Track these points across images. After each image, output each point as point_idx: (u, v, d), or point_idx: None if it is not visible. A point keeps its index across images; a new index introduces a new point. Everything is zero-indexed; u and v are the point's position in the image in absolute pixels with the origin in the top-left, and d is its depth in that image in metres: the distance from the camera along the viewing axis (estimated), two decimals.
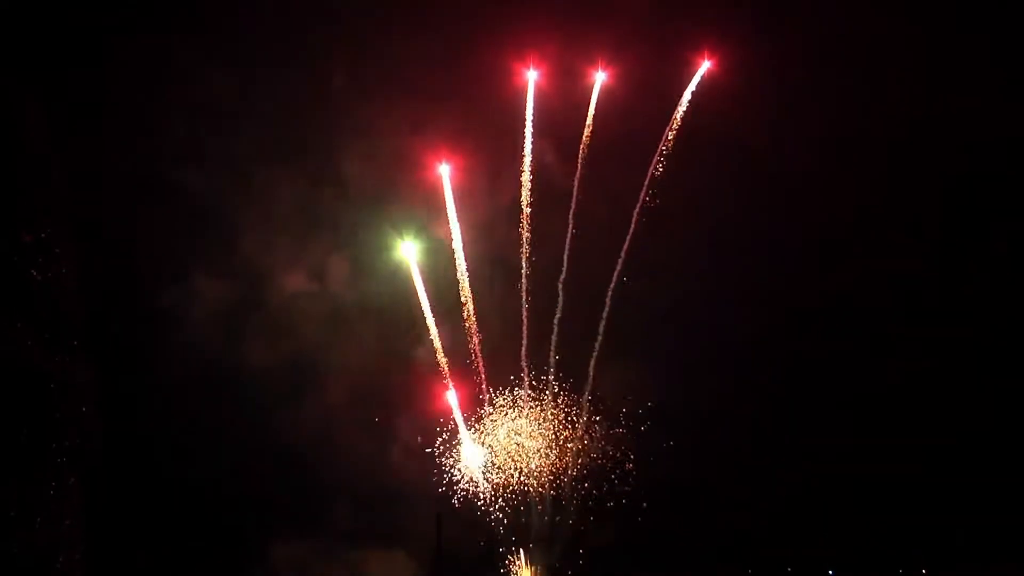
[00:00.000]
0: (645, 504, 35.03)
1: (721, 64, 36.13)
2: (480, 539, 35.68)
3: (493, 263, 37.07)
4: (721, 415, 35.33)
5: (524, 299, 36.52)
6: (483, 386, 36.38)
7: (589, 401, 36.00)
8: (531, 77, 36.52)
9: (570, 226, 36.49)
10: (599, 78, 36.52)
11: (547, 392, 36.08)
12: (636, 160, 36.27)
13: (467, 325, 36.42)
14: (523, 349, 36.37)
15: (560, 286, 36.57)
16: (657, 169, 36.28)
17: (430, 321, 36.33)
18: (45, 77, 29.92)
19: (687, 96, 36.22)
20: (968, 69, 36.03)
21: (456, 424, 35.96)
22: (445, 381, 36.14)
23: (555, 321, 36.52)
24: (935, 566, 34.00)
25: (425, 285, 36.56)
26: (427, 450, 35.59)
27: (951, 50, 35.79)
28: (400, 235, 36.58)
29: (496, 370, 36.51)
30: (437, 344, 36.29)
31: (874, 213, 36.76)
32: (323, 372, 36.74)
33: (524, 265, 36.59)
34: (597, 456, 35.77)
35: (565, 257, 36.57)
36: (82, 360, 25.07)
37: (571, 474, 35.89)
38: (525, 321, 36.45)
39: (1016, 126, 35.47)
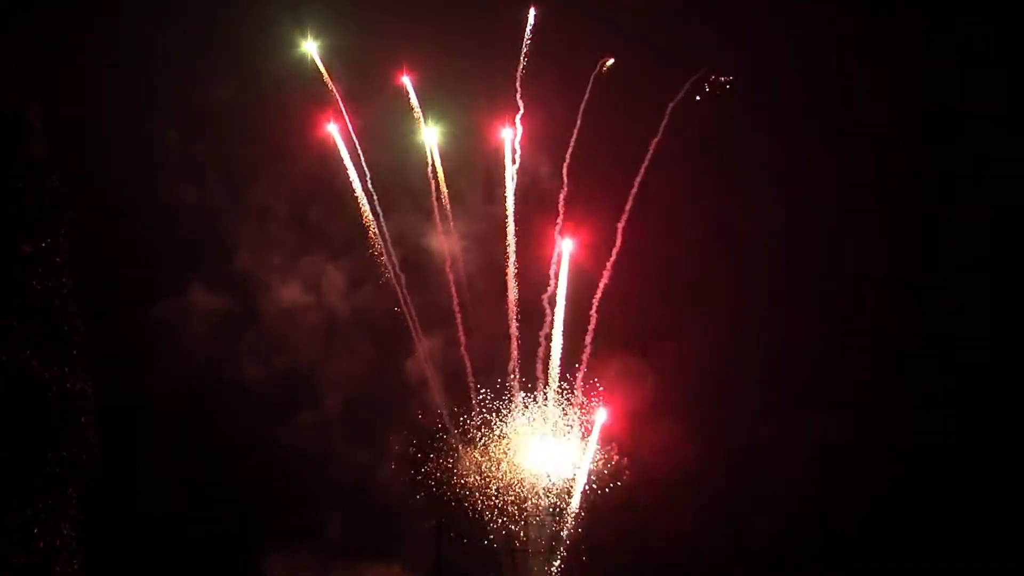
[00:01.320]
0: (643, 506, 35.23)
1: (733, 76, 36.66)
2: (479, 550, 35.77)
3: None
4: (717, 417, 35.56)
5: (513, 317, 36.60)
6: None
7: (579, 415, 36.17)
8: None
9: (557, 242, 36.62)
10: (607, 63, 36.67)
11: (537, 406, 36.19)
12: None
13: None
14: (511, 363, 36.47)
15: (545, 301, 36.68)
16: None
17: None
18: (44, 87, 30.22)
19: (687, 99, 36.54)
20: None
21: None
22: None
23: (542, 336, 36.64)
24: (934, 565, 33.99)
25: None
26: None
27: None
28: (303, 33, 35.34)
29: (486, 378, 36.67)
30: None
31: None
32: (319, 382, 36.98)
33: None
34: (593, 465, 35.89)
35: (552, 273, 36.72)
36: (81, 370, 24.89)
37: (568, 485, 35.96)
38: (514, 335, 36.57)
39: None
